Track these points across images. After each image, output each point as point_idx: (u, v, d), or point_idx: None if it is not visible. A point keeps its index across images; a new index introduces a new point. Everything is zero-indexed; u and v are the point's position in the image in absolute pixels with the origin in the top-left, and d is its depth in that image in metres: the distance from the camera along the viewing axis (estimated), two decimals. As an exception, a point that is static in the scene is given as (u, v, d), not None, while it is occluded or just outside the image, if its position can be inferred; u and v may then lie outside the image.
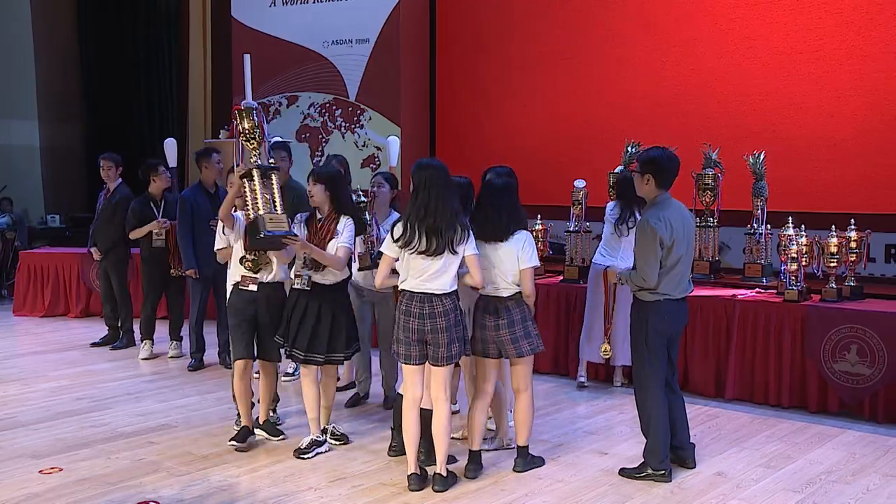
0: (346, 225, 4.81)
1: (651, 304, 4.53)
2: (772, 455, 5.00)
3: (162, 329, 7.58)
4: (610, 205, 6.36)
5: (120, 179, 7.93)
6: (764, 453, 5.03)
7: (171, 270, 7.33)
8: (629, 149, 6.99)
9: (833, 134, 7.33)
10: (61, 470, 4.66)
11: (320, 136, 10.45)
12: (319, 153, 10.28)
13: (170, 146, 8.25)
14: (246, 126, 4.78)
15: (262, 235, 4.51)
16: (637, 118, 8.18)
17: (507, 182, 4.66)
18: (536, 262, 4.57)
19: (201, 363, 7.12)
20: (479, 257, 4.38)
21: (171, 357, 7.42)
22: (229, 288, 5.12)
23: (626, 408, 6.02)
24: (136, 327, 7.76)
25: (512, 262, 4.50)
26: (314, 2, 10.38)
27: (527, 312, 4.57)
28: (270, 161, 5.04)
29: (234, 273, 5.04)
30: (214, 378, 6.76)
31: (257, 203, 4.62)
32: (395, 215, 5.58)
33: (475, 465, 4.62)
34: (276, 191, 4.69)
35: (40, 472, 4.64)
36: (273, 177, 4.75)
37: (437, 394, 4.37)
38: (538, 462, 4.77)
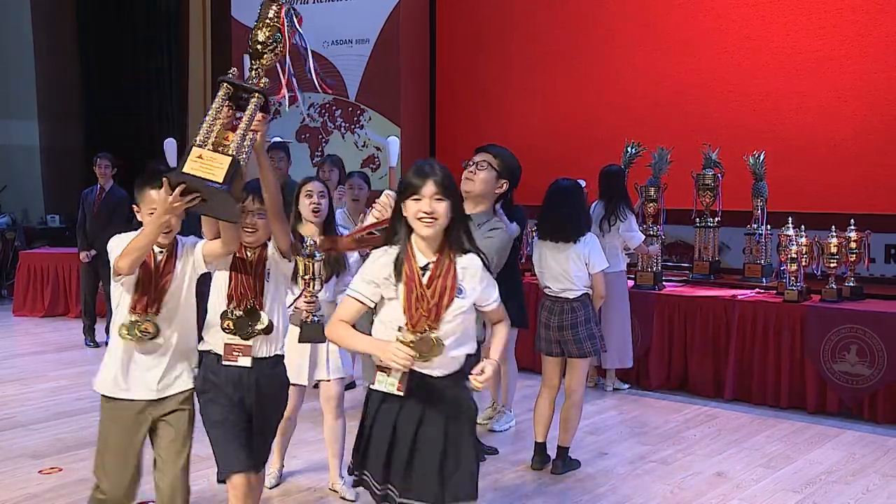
0: (476, 270, 2.72)
1: None
2: (772, 455, 5.00)
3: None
4: (594, 205, 6.34)
5: (112, 181, 8.00)
6: (764, 453, 5.03)
7: None
8: (629, 149, 7.00)
9: (833, 134, 7.33)
10: (61, 470, 4.66)
11: (320, 137, 10.45)
12: (319, 153, 10.28)
13: (170, 146, 8.28)
14: (260, 38, 2.94)
15: (176, 171, 2.75)
16: (637, 118, 8.17)
17: (574, 183, 4.68)
18: (606, 264, 4.65)
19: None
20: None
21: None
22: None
23: (625, 408, 6.02)
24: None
25: (579, 265, 4.55)
26: (314, 2, 10.38)
27: (591, 314, 4.61)
28: (294, 104, 3.16)
29: (212, 335, 3.15)
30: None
31: (203, 129, 2.79)
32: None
33: (540, 458, 4.71)
34: (246, 131, 2.78)
35: (40, 472, 4.63)
36: (252, 106, 2.83)
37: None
38: (576, 465, 4.76)
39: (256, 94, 2.85)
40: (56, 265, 9.55)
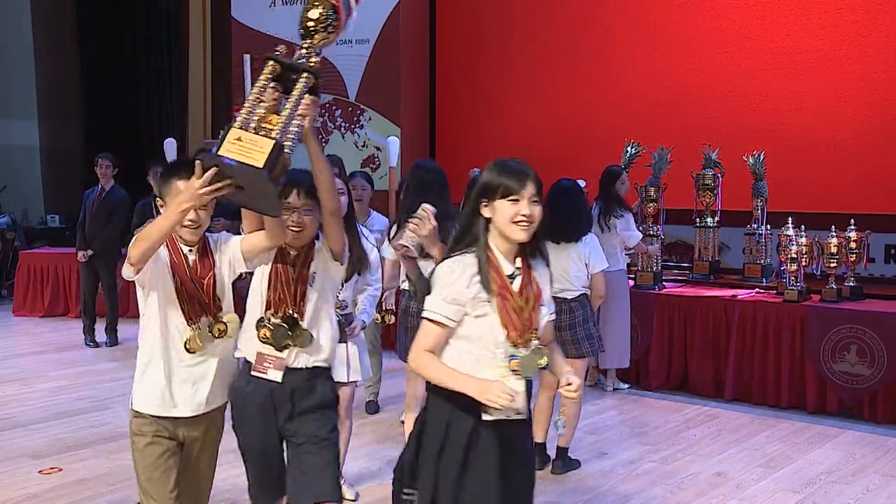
0: (546, 278, 2.58)
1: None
2: (772, 455, 5.00)
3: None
4: (594, 205, 6.33)
5: (113, 181, 8.00)
6: (764, 453, 5.03)
7: None
8: (629, 149, 7.00)
9: (833, 134, 7.33)
10: (61, 470, 4.66)
11: (320, 137, 10.43)
12: (319, 153, 10.27)
13: (170, 146, 8.30)
14: (313, 16, 2.65)
15: (210, 152, 2.48)
16: (637, 118, 8.17)
17: (574, 183, 4.68)
18: (605, 264, 4.66)
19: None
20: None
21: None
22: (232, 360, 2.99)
23: (625, 408, 6.02)
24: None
25: (579, 266, 4.56)
26: (314, 2, 10.38)
27: (589, 314, 4.62)
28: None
29: (246, 341, 2.86)
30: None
31: (244, 110, 2.52)
32: (375, 215, 5.56)
33: (540, 458, 4.66)
34: (293, 114, 2.50)
35: (40, 472, 4.63)
36: (301, 86, 2.54)
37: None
38: (575, 465, 4.75)
39: (306, 75, 2.56)
40: (56, 265, 9.54)
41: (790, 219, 6.19)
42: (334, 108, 10.33)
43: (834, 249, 5.97)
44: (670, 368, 6.47)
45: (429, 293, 2.55)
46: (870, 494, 4.40)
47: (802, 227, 6.10)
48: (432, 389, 2.47)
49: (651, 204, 6.79)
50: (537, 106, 9.03)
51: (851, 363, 5.67)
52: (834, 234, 6.00)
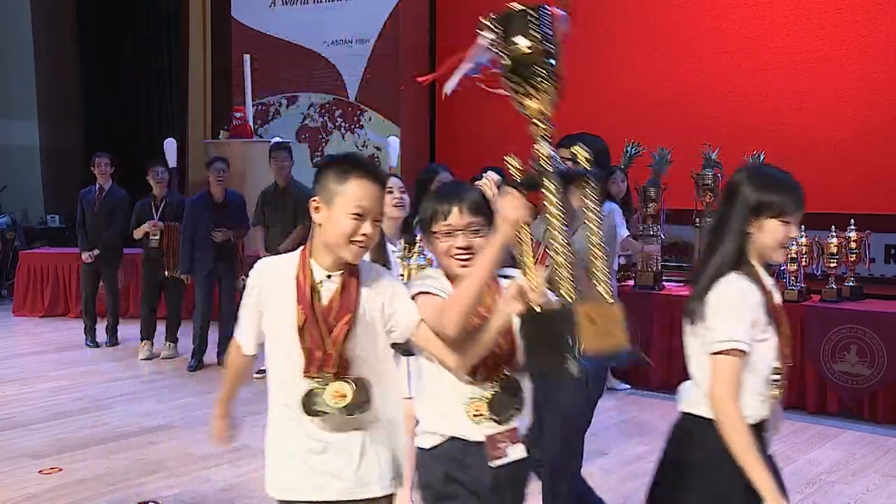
0: None
1: None
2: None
3: (161, 329, 7.59)
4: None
5: (111, 180, 8.00)
6: (764, 453, 5.02)
7: (166, 272, 7.37)
8: (629, 149, 6.99)
9: (833, 134, 7.33)
10: (61, 470, 4.66)
11: (320, 137, 10.45)
12: (319, 154, 10.28)
13: (169, 146, 8.31)
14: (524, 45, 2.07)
15: (573, 352, 1.85)
16: (637, 118, 8.17)
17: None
18: None
19: (201, 363, 7.12)
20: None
21: (165, 357, 7.41)
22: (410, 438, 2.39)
23: (625, 408, 6.02)
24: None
25: None
26: (314, 2, 10.38)
27: None
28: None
29: (439, 417, 2.26)
30: (214, 378, 6.76)
31: (558, 259, 1.95)
32: None
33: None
34: (601, 239, 2.02)
35: (40, 472, 4.63)
36: (594, 202, 2.08)
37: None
38: None
39: (588, 179, 2.04)
40: (56, 265, 9.55)
41: (790, 219, 6.18)
42: (334, 108, 10.34)
43: (834, 249, 5.97)
44: (670, 368, 6.46)
45: None
46: (870, 494, 4.41)
47: (802, 227, 6.08)
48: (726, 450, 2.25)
49: (651, 204, 6.78)
50: (537, 106, 9.02)
51: (851, 363, 5.67)
52: (834, 234, 6.01)
